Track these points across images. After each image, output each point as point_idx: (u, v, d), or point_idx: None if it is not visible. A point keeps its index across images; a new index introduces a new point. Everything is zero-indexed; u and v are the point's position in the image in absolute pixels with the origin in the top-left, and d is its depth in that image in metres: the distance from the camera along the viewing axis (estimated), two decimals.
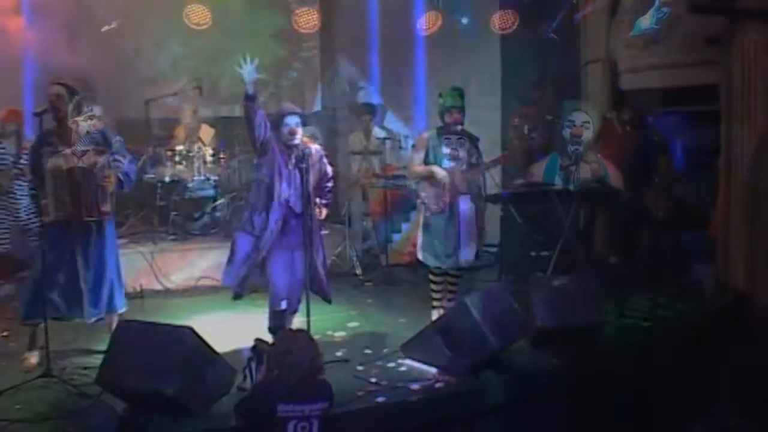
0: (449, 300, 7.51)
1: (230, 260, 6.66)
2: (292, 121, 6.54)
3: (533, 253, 9.24)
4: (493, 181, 7.91)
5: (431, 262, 7.42)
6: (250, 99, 6.36)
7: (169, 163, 10.20)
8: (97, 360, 5.69)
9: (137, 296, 8.46)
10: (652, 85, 10.33)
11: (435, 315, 7.34)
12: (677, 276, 8.77)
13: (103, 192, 6.37)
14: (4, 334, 7.30)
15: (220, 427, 5.17)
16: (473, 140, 7.41)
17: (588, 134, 8.99)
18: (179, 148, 10.26)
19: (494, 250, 9.94)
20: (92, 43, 10.06)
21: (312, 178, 6.63)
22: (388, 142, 10.62)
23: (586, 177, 8.85)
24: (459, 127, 7.29)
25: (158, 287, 9.06)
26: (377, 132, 10.74)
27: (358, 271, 9.71)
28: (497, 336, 6.14)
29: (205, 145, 10.47)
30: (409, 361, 6.39)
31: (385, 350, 6.75)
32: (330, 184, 7.00)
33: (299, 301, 6.63)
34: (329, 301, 6.97)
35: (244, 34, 11.68)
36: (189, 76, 11.29)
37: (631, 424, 6.58)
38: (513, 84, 11.27)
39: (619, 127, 9.95)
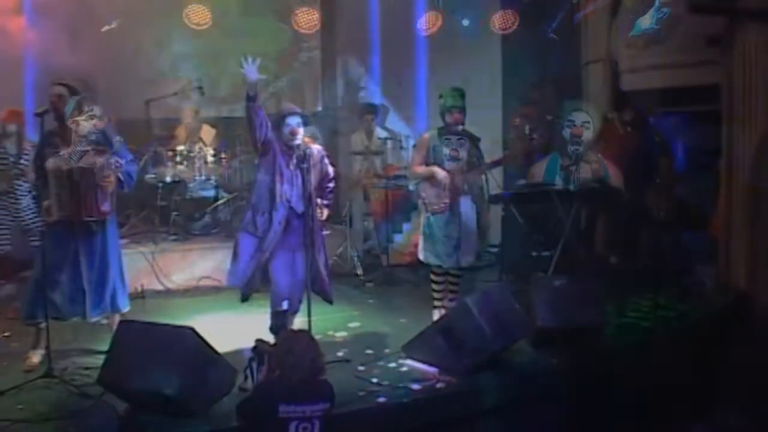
0: (450, 300, 7.52)
1: (234, 261, 6.64)
2: (294, 121, 6.53)
3: (534, 253, 9.24)
4: (494, 181, 7.90)
5: (432, 261, 7.42)
6: (251, 99, 6.36)
7: (170, 164, 10.20)
8: (99, 360, 5.71)
9: (138, 296, 8.46)
10: (652, 86, 10.33)
11: (436, 315, 7.35)
12: (678, 276, 8.77)
13: (102, 192, 6.36)
14: (6, 334, 7.30)
15: (222, 428, 5.16)
16: (474, 140, 7.41)
17: (588, 134, 8.98)
18: (180, 148, 10.26)
19: (495, 250, 9.96)
20: (93, 43, 10.04)
21: (313, 179, 6.62)
22: (389, 142, 10.64)
23: (586, 177, 8.85)
24: (460, 128, 7.29)
25: (159, 287, 9.07)
26: (379, 132, 10.74)
27: (359, 271, 9.72)
28: (498, 336, 6.15)
29: (206, 145, 10.47)
30: (410, 362, 6.40)
31: (386, 350, 6.77)
32: (331, 185, 7.00)
33: (300, 302, 6.63)
34: (330, 302, 6.95)
35: (244, 34, 11.68)
36: (190, 76, 11.28)
37: (632, 424, 6.59)
38: (514, 84, 11.27)
39: (620, 128, 9.95)
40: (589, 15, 10.90)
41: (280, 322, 6.65)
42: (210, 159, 10.32)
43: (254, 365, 5.56)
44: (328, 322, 7.41)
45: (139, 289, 8.65)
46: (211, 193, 10.41)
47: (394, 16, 11.46)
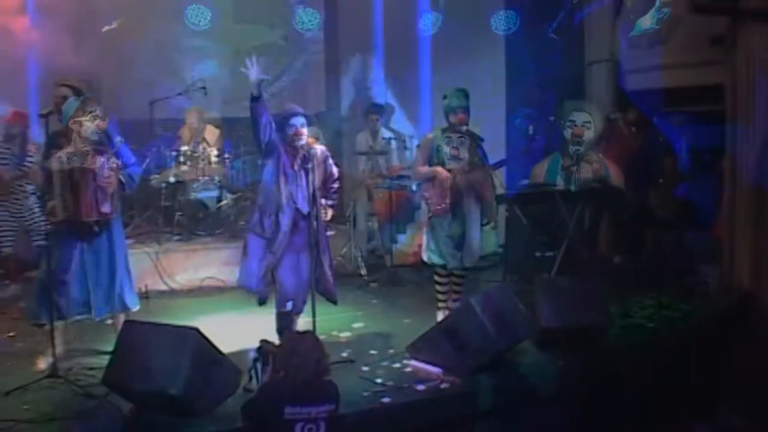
0: (454, 300, 7.53)
1: (245, 263, 6.65)
2: (298, 121, 6.53)
3: (538, 254, 9.22)
4: (497, 181, 7.90)
5: (436, 261, 7.43)
6: (255, 100, 6.35)
7: (173, 164, 10.21)
8: (103, 360, 5.72)
9: (142, 296, 8.41)
10: (656, 86, 10.32)
11: (440, 316, 7.35)
12: (682, 276, 8.78)
13: (103, 192, 6.34)
14: (11, 334, 7.31)
15: (227, 428, 5.17)
16: (476, 140, 7.39)
17: (589, 134, 8.96)
18: (184, 148, 10.26)
19: (499, 250, 9.96)
20: (97, 43, 10.07)
21: (317, 179, 6.62)
22: (393, 142, 10.64)
23: (587, 177, 8.84)
24: (464, 128, 7.29)
25: (163, 287, 9.07)
26: (383, 132, 10.75)
27: (363, 271, 9.72)
28: (502, 336, 6.15)
29: (210, 145, 10.46)
30: (414, 362, 6.39)
31: (390, 351, 6.76)
32: (336, 185, 7.00)
33: (305, 302, 6.64)
34: (335, 302, 6.94)
35: (247, 34, 11.70)
36: (193, 77, 11.28)
37: (636, 425, 6.59)
38: (517, 84, 11.27)
39: (624, 128, 9.96)
40: (591, 15, 10.92)
41: (285, 322, 6.66)
42: (214, 159, 10.31)
43: (259, 366, 5.56)
44: (332, 323, 7.40)
45: (143, 289, 8.63)
46: (214, 193, 10.42)
47: (397, 16, 11.48)
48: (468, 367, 6.03)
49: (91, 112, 6.41)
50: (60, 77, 6.68)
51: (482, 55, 11.21)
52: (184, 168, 10.15)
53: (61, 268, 6.29)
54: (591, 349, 6.76)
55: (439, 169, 7.28)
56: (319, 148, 6.76)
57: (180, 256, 9.43)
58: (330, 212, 6.97)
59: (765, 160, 8.30)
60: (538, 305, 6.76)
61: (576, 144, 8.89)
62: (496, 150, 9.51)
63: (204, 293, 9.08)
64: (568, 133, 9.00)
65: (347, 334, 7.40)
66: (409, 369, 6.33)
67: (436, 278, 7.57)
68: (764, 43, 8.25)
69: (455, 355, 6.10)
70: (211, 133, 10.71)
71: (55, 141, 6.36)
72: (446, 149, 7.33)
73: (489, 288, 7.60)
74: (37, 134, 8.21)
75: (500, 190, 8.30)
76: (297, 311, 6.71)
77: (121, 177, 6.51)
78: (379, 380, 6.03)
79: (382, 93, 11.92)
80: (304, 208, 6.53)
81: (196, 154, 10.20)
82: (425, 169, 7.39)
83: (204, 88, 10.82)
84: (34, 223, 8.61)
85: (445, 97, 7.39)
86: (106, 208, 6.38)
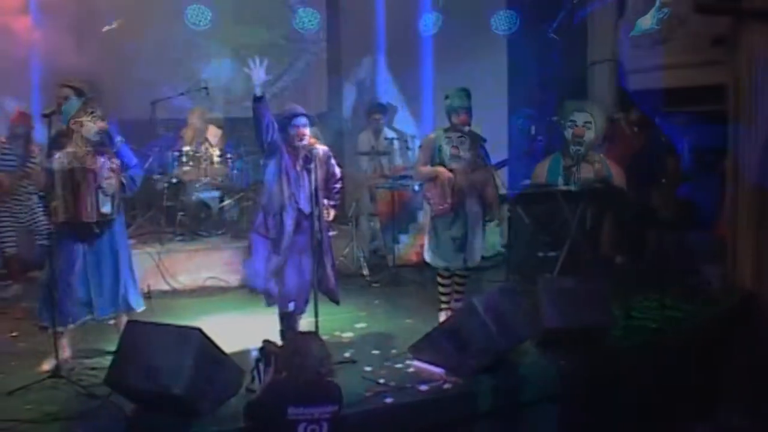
0: (456, 300, 7.53)
1: (251, 263, 6.65)
2: (300, 122, 6.52)
3: (540, 254, 9.22)
4: (499, 181, 7.90)
5: (439, 264, 7.43)
6: (258, 100, 6.36)
7: (176, 164, 10.21)
8: (106, 361, 5.73)
9: (145, 297, 8.40)
10: (658, 86, 10.32)
11: (442, 316, 7.34)
12: (684, 276, 8.77)
13: (104, 194, 6.32)
14: (13, 334, 7.32)
15: (229, 429, 5.17)
16: (477, 140, 7.37)
17: (590, 134, 8.95)
18: (186, 148, 10.26)
19: (502, 250, 9.96)
20: (99, 43, 10.07)
21: (320, 179, 6.62)
22: (396, 142, 10.63)
23: (587, 177, 8.84)
24: (466, 128, 7.28)
25: (165, 287, 9.06)
26: (386, 132, 10.74)
27: (366, 271, 9.70)
28: (505, 336, 6.15)
29: (212, 146, 10.46)
30: (417, 362, 6.39)
31: (392, 351, 6.75)
32: (338, 185, 6.99)
33: (307, 302, 6.65)
34: (337, 302, 6.94)
35: (247, 34, 11.70)
36: (196, 77, 11.29)
37: (639, 425, 6.58)
38: (519, 84, 11.27)
39: (626, 128, 9.95)
40: (592, 15, 10.93)
41: (286, 323, 6.66)
42: (216, 160, 10.31)
43: (261, 366, 5.56)
44: (335, 323, 7.39)
45: (146, 289, 8.63)
46: (217, 193, 10.42)
47: (399, 16, 11.48)
48: (470, 367, 6.03)
49: (92, 113, 6.42)
50: (63, 78, 6.66)
51: (484, 55, 11.19)
52: (187, 168, 10.14)
53: (64, 269, 6.29)
54: (593, 349, 6.75)
55: (441, 169, 7.28)
56: (322, 148, 6.75)
57: (182, 256, 9.42)
58: (332, 212, 6.95)
59: (767, 160, 8.29)
60: (541, 305, 6.75)
61: (577, 144, 8.89)
62: (497, 150, 9.50)
63: (206, 293, 9.07)
64: (569, 133, 8.99)
65: (350, 334, 7.39)
66: (411, 369, 6.32)
67: (439, 279, 7.57)
68: (766, 43, 8.24)
69: (457, 355, 6.10)
70: (214, 134, 10.70)
71: (57, 141, 6.36)
72: (448, 149, 7.32)
73: (491, 288, 7.62)
74: (40, 135, 8.21)
75: (502, 190, 8.30)
76: (299, 312, 6.72)
77: (122, 179, 6.49)
78: (381, 380, 6.01)
79: (384, 93, 11.91)
80: (306, 209, 6.52)
81: (198, 155, 10.20)
82: (427, 169, 7.39)
83: (206, 88, 10.83)
84: (36, 223, 8.62)
85: (447, 97, 7.39)
86: (106, 210, 6.36)
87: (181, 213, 10.15)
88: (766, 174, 8.31)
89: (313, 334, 5.20)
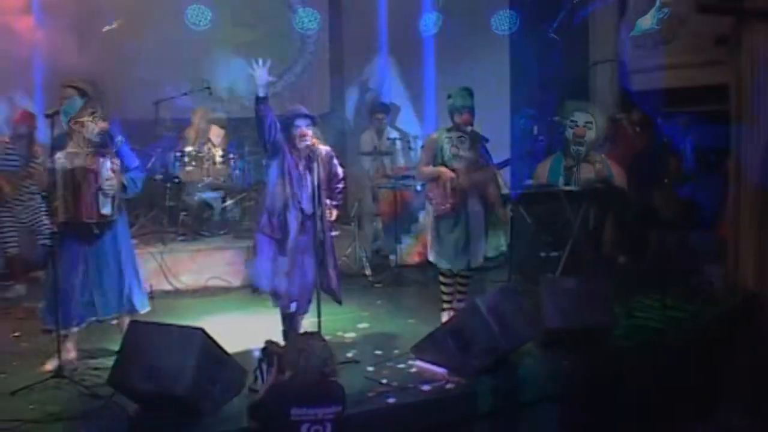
0: (459, 300, 7.52)
1: (256, 264, 6.64)
2: (303, 122, 6.53)
3: (542, 254, 9.23)
4: (501, 181, 7.90)
5: (442, 264, 7.42)
6: (261, 101, 6.35)
7: (178, 164, 10.22)
8: (109, 361, 5.72)
9: (147, 297, 8.45)
10: (660, 86, 10.32)
11: (445, 317, 7.34)
12: (686, 276, 8.77)
13: (104, 195, 6.30)
14: (16, 334, 7.33)
15: (232, 429, 5.17)
16: (479, 140, 7.36)
17: (591, 134, 8.97)
18: (189, 149, 10.27)
19: (504, 250, 9.96)
20: (102, 43, 10.10)
21: (322, 179, 6.62)
22: (399, 142, 10.63)
23: (588, 177, 8.85)
24: (469, 128, 7.27)
25: (168, 287, 9.07)
26: (389, 132, 10.73)
27: (368, 272, 9.70)
28: (507, 337, 6.15)
29: (215, 146, 10.47)
30: (419, 362, 6.39)
31: (395, 351, 6.75)
32: (341, 185, 6.98)
33: (309, 302, 6.65)
34: (339, 302, 6.94)
35: (253, 33, 11.72)
36: (198, 77, 11.29)
37: (641, 425, 6.58)
38: (521, 84, 11.27)
39: (628, 128, 9.95)
40: (593, 15, 10.93)
41: (289, 323, 6.67)
42: (219, 160, 10.32)
43: (264, 366, 5.56)
44: (337, 323, 7.40)
45: (148, 289, 8.60)
46: (219, 193, 10.42)
47: (402, 17, 11.48)
48: (473, 367, 6.03)
49: (93, 113, 6.42)
50: (66, 78, 6.67)
51: (487, 55, 11.20)
52: (189, 168, 10.15)
53: (66, 270, 6.28)
54: (595, 349, 6.76)
55: (443, 169, 7.27)
56: (324, 149, 6.75)
57: (185, 256, 9.43)
58: (335, 212, 6.94)
59: None
60: (543, 305, 6.77)
61: (577, 144, 8.89)
62: (499, 150, 9.50)
63: (209, 293, 9.08)
64: (569, 133, 9.00)
65: (352, 334, 7.40)
66: (414, 369, 6.32)
67: (441, 279, 7.56)
68: None
69: (460, 355, 6.10)
70: (216, 134, 10.72)
71: (60, 142, 6.36)
72: (450, 149, 7.32)
73: (494, 288, 7.61)
74: (44, 135, 8.22)
75: (504, 190, 8.30)
76: (302, 312, 6.72)
77: (124, 180, 6.47)
78: (384, 381, 6.00)
79: (386, 93, 11.91)
80: (309, 209, 6.52)
81: (201, 155, 10.21)
82: (429, 169, 7.38)
83: (209, 88, 10.83)
84: (39, 223, 8.63)
85: (449, 97, 7.37)
86: (106, 211, 6.33)
87: (184, 213, 10.16)
88: None
89: (318, 335, 5.20)
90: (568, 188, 8.83)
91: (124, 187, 6.50)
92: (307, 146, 6.54)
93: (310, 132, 6.55)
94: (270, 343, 5.74)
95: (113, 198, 6.37)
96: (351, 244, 9.98)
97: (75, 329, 6.44)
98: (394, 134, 10.76)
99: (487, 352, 6.05)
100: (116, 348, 5.66)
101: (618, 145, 9.65)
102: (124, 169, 6.49)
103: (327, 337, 5.56)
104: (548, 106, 10.70)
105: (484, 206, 7.44)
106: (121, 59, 10.48)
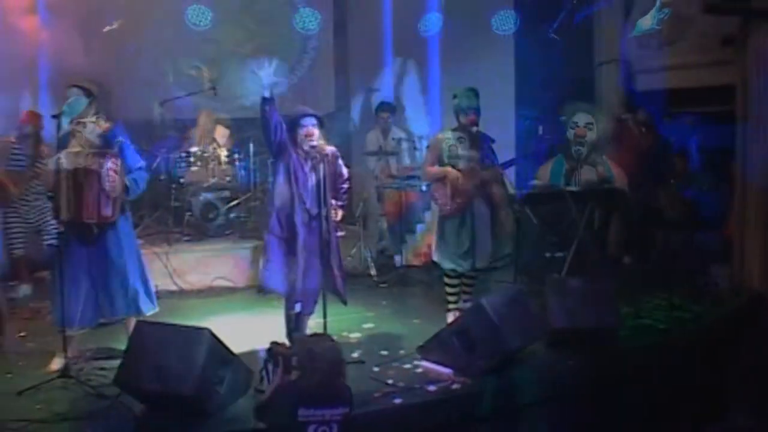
0: (465, 301, 7.52)
1: (268, 265, 6.60)
2: (309, 122, 6.53)
3: (548, 254, 9.22)
4: (507, 181, 7.89)
5: (447, 265, 7.41)
6: (267, 101, 6.35)
7: (184, 165, 10.22)
8: (115, 361, 5.73)
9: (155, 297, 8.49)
10: (667, 86, 10.31)
11: (450, 317, 7.34)
12: (692, 277, 8.76)
13: (105, 195, 6.24)
14: (22, 334, 7.33)
15: (238, 429, 5.17)
16: (484, 140, 7.36)
17: (592, 135, 8.94)
18: (194, 149, 10.28)
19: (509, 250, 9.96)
20: (107, 43, 10.11)
21: (327, 180, 6.61)
22: (404, 142, 10.63)
23: (589, 178, 8.84)
24: (474, 129, 7.27)
25: (173, 288, 9.07)
26: (394, 132, 10.73)
27: (373, 272, 9.71)
28: (514, 337, 6.15)
29: (220, 146, 10.49)
30: (425, 363, 6.39)
31: (401, 351, 6.75)
32: (346, 186, 6.97)
33: (315, 303, 6.65)
34: (345, 302, 6.92)
35: (257, 34, 11.73)
36: (204, 77, 11.30)
37: (647, 425, 6.58)
38: (526, 85, 11.27)
39: (634, 128, 9.94)
40: (596, 15, 10.93)
41: (294, 324, 6.67)
42: (224, 160, 10.34)
43: (270, 367, 5.56)
44: (343, 324, 7.39)
45: (154, 289, 8.66)
46: (224, 194, 10.41)
47: (407, 17, 11.48)
48: (479, 367, 6.03)
49: (97, 114, 6.42)
50: (72, 78, 6.67)
51: (491, 56, 11.19)
52: (195, 169, 10.16)
53: (70, 270, 6.27)
54: (601, 349, 6.75)
55: (449, 169, 7.27)
56: (329, 149, 6.73)
57: (190, 256, 9.43)
58: (340, 213, 6.94)
59: None
60: (549, 306, 6.77)
61: (578, 145, 8.88)
62: (505, 150, 9.49)
63: (214, 294, 9.09)
64: (570, 134, 8.99)
65: (357, 334, 7.40)
66: (420, 370, 6.32)
67: (446, 280, 7.56)
68: None
69: (466, 355, 6.11)
70: (221, 134, 10.73)
71: (64, 142, 6.36)
72: (455, 150, 7.31)
73: (500, 288, 7.61)
74: (51, 135, 8.23)
75: (510, 191, 8.30)
76: (307, 312, 6.72)
77: (126, 181, 6.43)
78: (389, 381, 6.01)
79: (391, 92, 11.90)
80: (314, 209, 6.52)
81: (206, 155, 10.22)
82: (435, 169, 7.38)
83: (214, 88, 10.84)
84: (46, 223, 8.63)
85: (455, 97, 7.38)
86: (107, 212, 6.27)
87: (189, 213, 10.17)
88: None
89: (328, 337, 5.20)
90: (574, 188, 8.81)
91: (126, 188, 6.46)
92: (313, 147, 6.53)
93: (316, 132, 6.55)
94: (275, 344, 5.74)
95: (115, 199, 6.32)
96: (356, 245, 9.98)
97: (78, 329, 6.43)
98: (399, 134, 10.75)
99: (492, 353, 6.05)
100: (123, 348, 5.67)
101: (623, 145, 9.63)
102: (127, 169, 6.46)
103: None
104: (553, 106, 10.69)
105: (490, 207, 7.44)
106: (126, 59, 10.49)
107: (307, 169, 6.55)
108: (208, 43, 11.69)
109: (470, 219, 7.31)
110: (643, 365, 6.78)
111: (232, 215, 10.44)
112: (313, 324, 6.83)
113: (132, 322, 6.30)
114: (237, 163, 10.53)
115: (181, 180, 10.18)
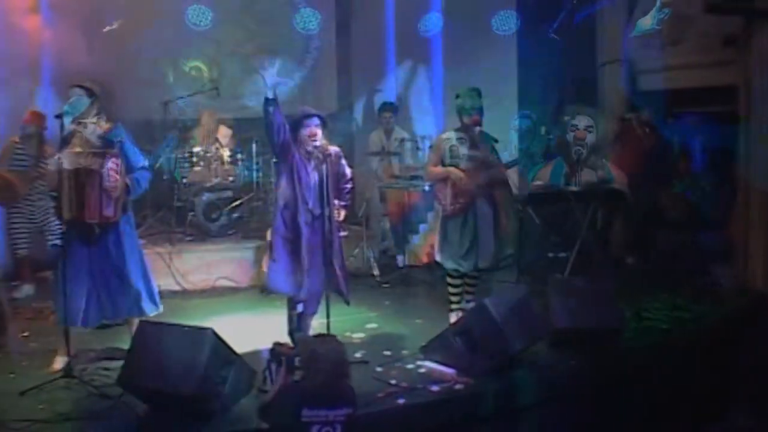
0: (467, 301, 7.51)
1: (274, 265, 6.59)
2: (312, 122, 6.53)
3: (551, 254, 9.23)
4: (510, 181, 7.89)
5: (450, 265, 7.40)
6: (270, 102, 6.34)
7: (186, 165, 10.22)
8: (118, 361, 5.73)
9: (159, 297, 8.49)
10: (670, 86, 10.30)
11: (453, 317, 7.34)
12: (695, 277, 8.76)
13: (107, 196, 6.21)
14: (25, 334, 7.34)
15: (241, 429, 5.18)
16: (486, 140, 7.36)
17: (591, 138, 8.95)
18: (197, 149, 10.28)
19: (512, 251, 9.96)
20: (107, 43, 10.10)
21: (330, 180, 6.61)
22: (407, 143, 10.62)
23: (589, 180, 8.84)
24: (477, 129, 7.27)
25: (176, 288, 9.07)
26: (397, 132, 10.73)
27: (376, 272, 9.70)
28: (516, 337, 6.14)
29: (222, 146, 10.50)
30: (428, 363, 6.39)
31: (404, 352, 6.75)
32: (349, 186, 6.97)
33: (318, 303, 6.65)
34: (348, 303, 6.93)
35: (257, 34, 11.73)
36: (205, 77, 11.31)
37: (649, 425, 6.58)
38: (529, 85, 11.25)
39: (637, 128, 9.93)
40: (596, 14, 10.92)
41: (295, 324, 6.67)
42: (226, 160, 10.34)
43: (273, 367, 5.56)
44: (346, 324, 7.38)
45: (157, 290, 8.67)
46: (227, 194, 10.41)
47: (409, 17, 11.48)
48: (482, 367, 6.04)
49: (98, 114, 6.42)
50: (76, 78, 6.66)
51: (494, 56, 11.18)
52: (197, 169, 10.17)
53: (72, 270, 6.27)
54: (604, 349, 6.74)
55: (452, 169, 7.26)
56: (333, 149, 6.71)
57: (193, 256, 9.43)
58: (343, 213, 6.94)
59: None
60: (551, 306, 6.77)
61: (578, 146, 8.88)
62: (508, 150, 9.50)
63: (217, 293, 9.09)
64: (570, 136, 8.99)
65: (360, 335, 7.39)
66: (423, 370, 6.32)
67: (449, 280, 7.56)
68: None
69: (469, 355, 6.11)
70: (224, 134, 10.74)
71: (66, 141, 6.36)
72: (458, 150, 7.31)
73: (502, 289, 7.61)
74: (53, 135, 8.22)
75: (514, 191, 8.30)
76: (310, 313, 6.72)
77: (127, 181, 6.40)
78: (393, 381, 6.00)
79: (394, 93, 11.90)
80: (317, 209, 6.52)
81: (209, 155, 10.23)
82: (438, 169, 7.37)
83: (217, 88, 10.84)
84: (49, 223, 8.63)
85: (458, 97, 7.36)
86: (108, 212, 6.24)
87: (192, 213, 10.16)
88: None
89: (333, 338, 5.21)
90: (576, 189, 8.82)
91: (128, 188, 6.43)
92: (316, 147, 6.52)
93: (319, 132, 6.55)
94: (278, 344, 5.74)
95: (116, 199, 6.30)
96: (359, 245, 9.97)
97: (82, 328, 6.43)
98: (402, 134, 10.74)
99: (495, 353, 6.05)
100: (126, 348, 5.67)
101: (627, 146, 9.64)
102: (129, 169, 6.44)
103: None
104: (556, 106, 10.69)
105: (493, 207, 7.43)
106: (128, 59, 10.49)
107: (310, 169, 6.55)
108: (208, 43, 11.70)
109: (473, 219, 7.31)
110: (645, 365, 6.78)
111: (234, 215, 10.43)
112: (316, 324, 6.84)
113: (135, 322, 6.28)
114: (240, 163, 10.53)
115: (184, 180, 10.18)
